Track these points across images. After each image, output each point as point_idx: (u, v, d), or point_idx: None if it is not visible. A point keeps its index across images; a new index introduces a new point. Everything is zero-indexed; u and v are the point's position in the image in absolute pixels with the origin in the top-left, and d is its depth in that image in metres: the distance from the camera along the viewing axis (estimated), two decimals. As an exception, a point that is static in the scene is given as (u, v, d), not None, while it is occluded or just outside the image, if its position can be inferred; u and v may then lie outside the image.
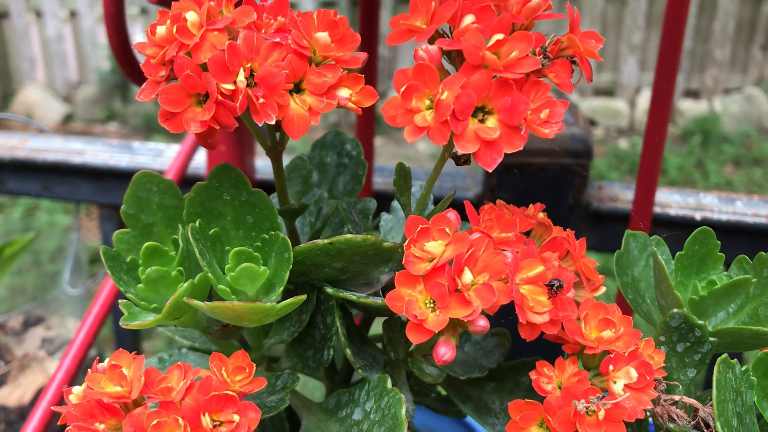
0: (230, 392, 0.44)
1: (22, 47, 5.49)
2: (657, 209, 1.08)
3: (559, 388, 0.54)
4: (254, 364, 0.47)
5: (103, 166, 1.21)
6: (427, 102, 0.46)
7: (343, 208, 0.57)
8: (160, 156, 1.22)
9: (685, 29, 0.88)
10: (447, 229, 0.47)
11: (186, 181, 1.09)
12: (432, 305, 0.46)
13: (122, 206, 0.55)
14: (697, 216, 1.07)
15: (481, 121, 0.46)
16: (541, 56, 0.48)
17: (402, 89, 0.46)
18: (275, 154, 0.54)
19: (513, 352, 0.64)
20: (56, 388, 0.79)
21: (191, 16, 0.46)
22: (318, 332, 0.56)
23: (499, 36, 0.45)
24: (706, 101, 5.09)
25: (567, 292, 0.55)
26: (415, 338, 0.45)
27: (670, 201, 1.09)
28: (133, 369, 0.45)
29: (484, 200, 1.12)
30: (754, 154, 4.71)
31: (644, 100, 5.06)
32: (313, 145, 0.67)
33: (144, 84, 0.49)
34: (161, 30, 0.46)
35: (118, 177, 1.21)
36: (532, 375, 0.54)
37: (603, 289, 0.58)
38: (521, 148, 0.45)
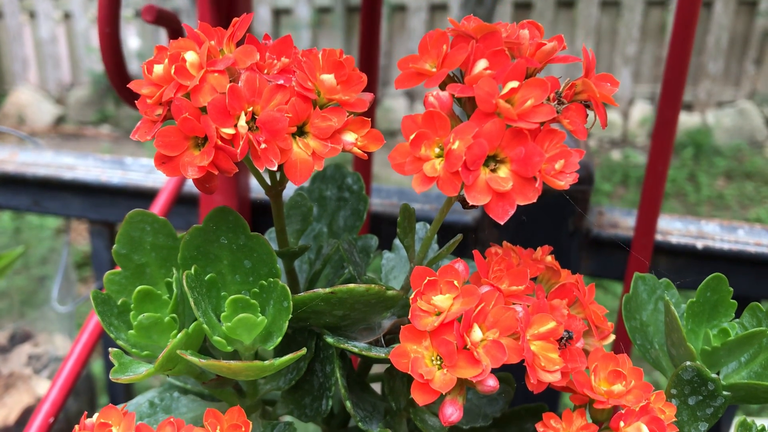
0: (225, 454, 0.42)
1: (14, 48, 5.44)
2: (658, 237, 1.06)
3: (567, 441, 0.52)
4: (250, 423, 0.44)
5: (95, 182, 1.18)
6: (437, 150, 0.44)
7: (344, 248, 0.54)
8: (152, 172, 1.19)
9: (690, 55, 0.86)
10: (455, 282, 0.45)
11: (181, 200, 1.06)
12: (438, 362, 0.44)
13: (114, 246, 0.53)
14: (699, 244, 1.05)
15: (493, 170, 0.44)
16: (556, 102, 0.46)
17: (411, 137, 0.44)
18: (275, 194, 0.52)
19: (516, 394, 0.62)
20: (43, 418, 0.76)
21: (191, 57, 0.43)
22: (316, 380, 0.54)
23: (514, 84, 0.43)
24: (698, 114, 5.10)
25: (576, 342, 0.53)
26: (420, 399, 0.43)
27: (671, 228, 1.07)
28: (122, 428, 0.42)
29: (483, 224, 1.10)
30: (745, 167, 4.72)
31: (637, 111, 5.07)
32: (312, 178, 0.65)
33: (139, 122, 0.47)
34: (158, 69, 0.44)
35: (110, 193, 1.19)
36: (539, 427, 0.52)
37: (612, 338, 0.56)
38: (535, 201, 0.43)
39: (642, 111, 5.06)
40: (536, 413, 0.61)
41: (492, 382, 0.44)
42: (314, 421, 0.54)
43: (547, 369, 0.46)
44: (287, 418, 0.57)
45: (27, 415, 1.16)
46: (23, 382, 1.20)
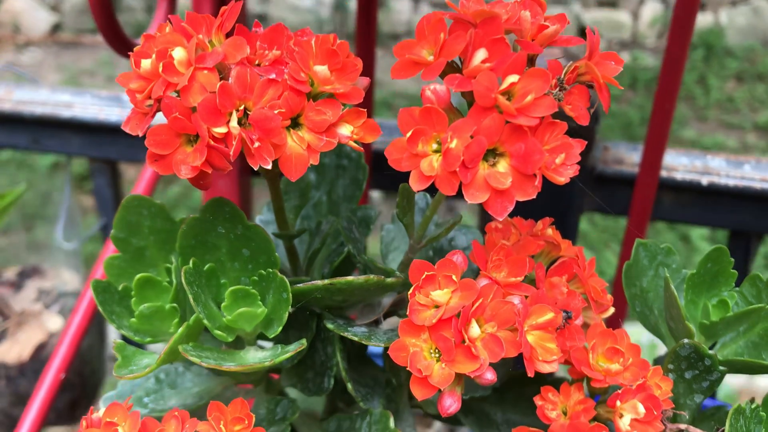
0: (229, 452, 0.43)
1: (4, -48, 5.27)
2: (663, 173, 1.05)
3: (564, 413, 0.53)
4: (253, 416, 0.45)
5: (93, 121, 1.16)
6: (435, 145, 0.43)
7: (343, 227, 0.54)
8: (151, 109, 1.17)
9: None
10: (453, 277, 0.45)
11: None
12: (437, 354, 0.45)
13: (112, 231, 0.52)
14: (704, 181, 1.04)
15: (492, 165, 0.43)
16: (557, 89, 0.45)
17: (408, 134, 0.42)
18: (272, 177, 0.51)
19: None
20: (54, 374, 0.78)
21: (178, 54, 0.42)
22: (318, 357, 0.54)
23: (513, 78, 0.41)
24: (711, 13, 4.95)
25: (576, 319, 0.53)
26: (419, 393, 0.44)
27: (676, 164, 1.06)
28: (128, 426, 0.43)
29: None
30: (758, 69, 4.62)
31: (648, 11, 4.92)
32: (310, 144, 0.64)
33: (130, 112, 0.46)
34: (146, 64, 0.43)
35: (109, 131, 1.17)
36: (537, 401, 0.53)
37: (612, 310, 0.56)
38: (534, 197, 0.43)
39: (653, 10, 4.90)
40: (536, 378, 0.62)
41: (490, 376, 0.44)
42: (317, 395, 0.55)
43: (545, 360, 0.46)
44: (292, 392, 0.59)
45: (40, 351, 1.19)
46: (35, 319, 1.23)
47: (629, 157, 1.08)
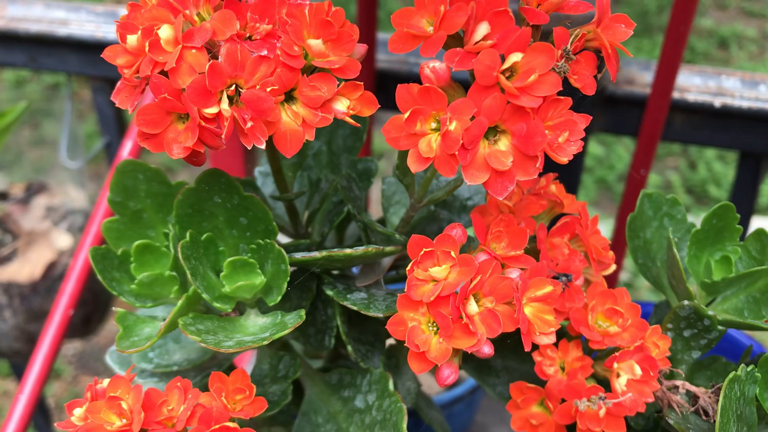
0: (230, 425, 0.44)
1: None
2: (675, 94, 1.02)
3: (562, 369, 0.54)
4: (254, 386, 0.46)
5: (90, 39, 1.13)
6: (434, 124, 0.42)
7: (343, 186, 0.53)
8: (149, 26, 1.13)
9: None
10: (452, 252, 0.44)
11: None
12: (435, 327, 0.45)
13: (108, 194, 0.52)
14: (717, 102, 1.01)
15: (493, 143, 0.41)
16: (563, 60, 0.43)
17: (406, 114, 0.41)
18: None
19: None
20: (63, 311, 0.79)
21: (164, 33, 0.40)
22: (319, 316, 0.55)
23: (517, 57, 0.40)
24: None
25: (576, 280, 0.53)
26: (417, 368, 0.44)
27: (689, 85, 1.03)
28: (132, 399, 0.44)
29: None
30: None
31: None
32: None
33: (119, 83, 0.44)
34: (132, 40, 0.41)
35: (107, 49, 1.14)
36: (535, 357, 0.54)
37: (613, 267, 0.56)
38: (536, 176, 0.42)
39: None
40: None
41: (487, 350, 0.45)
42: (319, 351, 0.56)
43: (543, 332, 0.46)
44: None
45: (51, 269, 1.21)
46: (44, 238, 1.24)
47: (641, 77, 1.05)
